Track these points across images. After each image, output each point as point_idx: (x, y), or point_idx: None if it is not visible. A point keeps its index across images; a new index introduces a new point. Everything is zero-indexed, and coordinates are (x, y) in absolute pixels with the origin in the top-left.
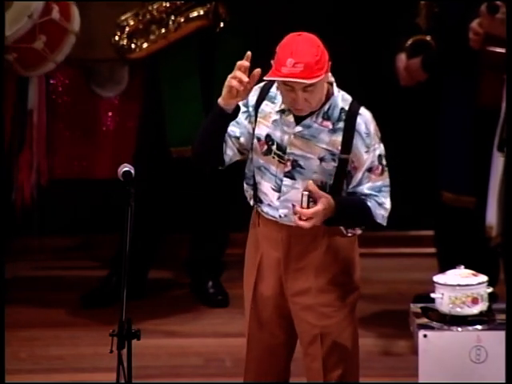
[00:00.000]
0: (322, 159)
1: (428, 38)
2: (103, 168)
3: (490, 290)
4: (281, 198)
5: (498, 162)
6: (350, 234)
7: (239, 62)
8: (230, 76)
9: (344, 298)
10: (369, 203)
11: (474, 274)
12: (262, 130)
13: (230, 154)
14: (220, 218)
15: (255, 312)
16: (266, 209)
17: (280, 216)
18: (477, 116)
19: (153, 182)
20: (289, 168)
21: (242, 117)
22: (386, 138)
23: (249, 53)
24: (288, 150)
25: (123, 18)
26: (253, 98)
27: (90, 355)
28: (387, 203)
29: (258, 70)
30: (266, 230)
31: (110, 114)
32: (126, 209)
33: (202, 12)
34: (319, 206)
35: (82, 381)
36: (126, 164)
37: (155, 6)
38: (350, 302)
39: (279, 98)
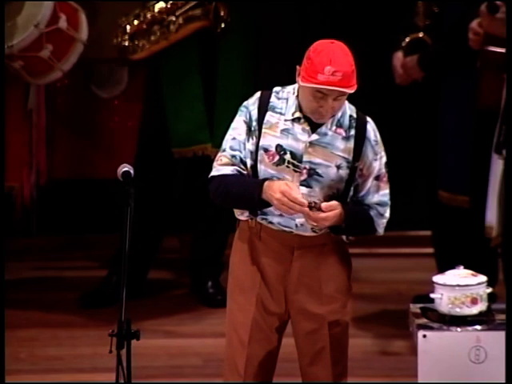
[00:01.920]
0: (338, 167)
1: (425, 36)
2: (102, 168)
3: (490, 290)
4: None
5: (498, 162)
6: (348, 241)
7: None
8: (283, 202)
9: (346, 303)
10: (371, 213)
11: (473, 275)
12: (269, 141)
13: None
14: (220, 218)
15: (257, 327)
16: (276, 220)
17: (297, 225)
18: (475, 116)
19: (154, 183)
20: (305, 176)
21: (245, 137)
22: (384, 138)
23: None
24: (304, 159)
25: (124, 18)
26: (254, 111)
27: (90, 355)
28: (388, 213)
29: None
30: (272, 242)
31: (109, 114)
32: (125, 209)
33: (202, 12)
34: (330, 213)
35: (81, 381)
36: (125, 164)
37: (156, 7)
38: (349, 306)
39: (284, 107)
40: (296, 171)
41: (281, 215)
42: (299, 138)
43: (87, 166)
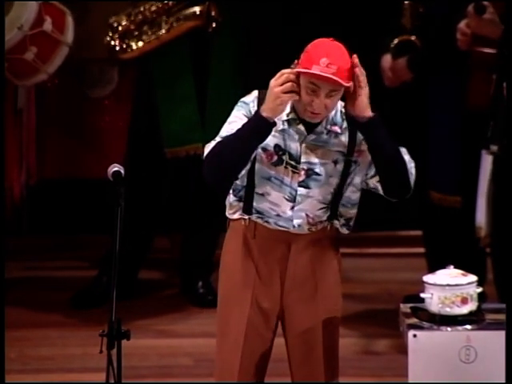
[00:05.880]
0: (335, 162)
1: (413, 38)
2: (93, 168)
3: (480, 289)
4: (295, 208)
5: (487, 162)
6: (347, 232)
7: (282, 72)
8: (274, 85)
9: (338, 300)
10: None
11: (463, 274)
12: (267, 140)
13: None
14: (210, 218)
15: (252, 326)
16: (273, 220)
17: (294, 226)
18: (464, 116)
19: (144, 182)
20: (303, 177)
21: None
22: None
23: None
24: (302, 160)
25: (115, 18)
26: (254, 108)
27: (80, 355)
28: (414, 170)
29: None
30: (268, 240)
31: (99, 114)
32: (115, 209)
33: (194, 12)
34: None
35: (71, 381)
36: (115, 164)
37: (147, 7)
38: (340, 303)
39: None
40: (294, 172)
41: (278, 215)
42: (296, 138)
43: (77, 166)
